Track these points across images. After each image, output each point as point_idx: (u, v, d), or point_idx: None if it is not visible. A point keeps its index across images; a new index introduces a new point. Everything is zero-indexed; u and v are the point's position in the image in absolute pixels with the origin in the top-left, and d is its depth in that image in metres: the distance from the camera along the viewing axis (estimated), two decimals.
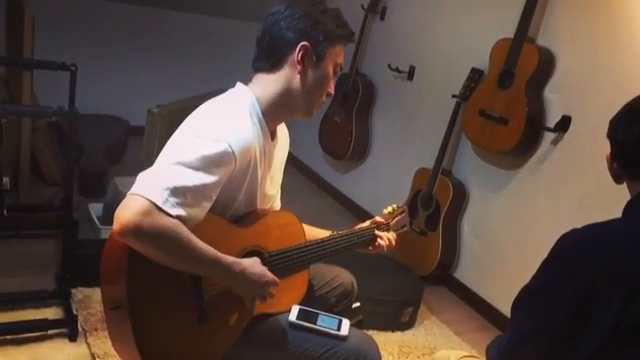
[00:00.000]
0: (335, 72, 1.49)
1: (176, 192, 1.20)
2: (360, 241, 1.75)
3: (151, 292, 1.29)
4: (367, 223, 1.84)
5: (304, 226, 1.69)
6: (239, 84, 1.49)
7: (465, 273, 3.24)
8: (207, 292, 1.36)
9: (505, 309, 2.94)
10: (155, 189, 1.19)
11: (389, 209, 1.92)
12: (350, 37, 1.49)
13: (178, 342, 1.33)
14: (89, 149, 3.69)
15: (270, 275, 1.39)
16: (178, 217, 1.20)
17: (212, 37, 4.65)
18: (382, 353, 1.65)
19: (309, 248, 1.59)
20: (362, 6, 3.84)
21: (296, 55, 1.41)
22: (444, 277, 3.31)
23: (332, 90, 1.51)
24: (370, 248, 1.80)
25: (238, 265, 1.34)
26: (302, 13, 1.41)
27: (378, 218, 1.85)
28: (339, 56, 1.48)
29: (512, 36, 2.78)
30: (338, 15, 1.47)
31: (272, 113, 1.46)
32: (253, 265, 1.37)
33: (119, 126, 4.21)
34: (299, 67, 1.42)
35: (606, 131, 1.33)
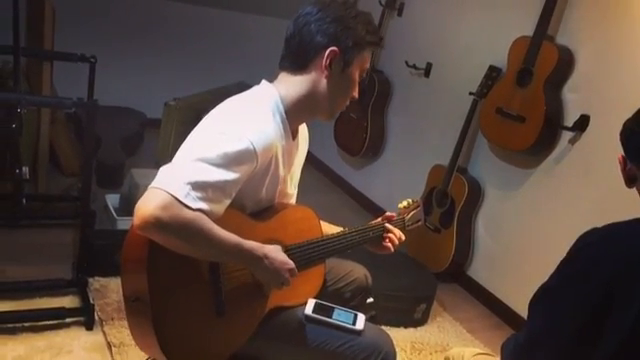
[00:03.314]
0: (361, 76, 1.49)
1: (197, 187, 1.21)
2: (375, 235, 1.76)
3: (171, 284, 1.30)
4: (379, 219, 1.83)
5: (320, 222, 1.70)
6: (264, 82, 1.49)
7: (479, 271, 3.23)
8: (225, 285, 1.37)
9: (519, 308, 2.93)
10: (177, 183, 1.20)
11: (404, 203, 1.91)
12: (379, 43, 1.49)
13: (197, 333, 1.34)
14: (106, 141, 3.72)
15: (291, 262, 1.41)
16: (199, 210, 1.21)
17: (230, 32, 4.67)
18: None
19: (325, 242, 1.60)
20: (380, 2, 3.83)
21: (324, 60, 1.41)
22: (458, 275, 3.31)
23: (357, 94, 1.51)
24: (380, 247, 1.78)
25: (261, 249, 1.35)
26: (334, 17, 1.40)
27: (389, 213, 1.85)
28: (366, 61, 1.48)
29: (531, 34, 2.76)
30: (370, 20, 1.46)
31: (295, 113, 1.47)
32: (276, 251, 1.39)
33: (136, 118, 4.25)
34: (326, 72, 1.42)
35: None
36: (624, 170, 1.33)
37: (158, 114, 3.83)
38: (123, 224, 2.82)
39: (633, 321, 1.17)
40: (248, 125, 1.33)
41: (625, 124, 1.32)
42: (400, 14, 3.85)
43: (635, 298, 1.17)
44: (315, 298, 1.59)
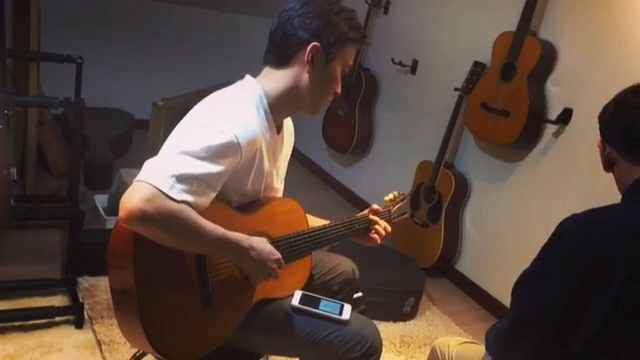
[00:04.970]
0: (344, 72, 1.51)
1: (182, 179, 1.22)
2: (361, 227, 1.78)
3: (157, 277, 1.31)
4: (366, 212, 1.86)
5: (307, 215, 1.71)
6: (248, 77, 1.50)
7: (467, 265, 3.26)
8: (212, 277, 1.39)
9: (507, 301, 2.92)
10: (161, 176, 1.21)
11: (390, 196, 1.94)
12: (362, 40, 1.50)
13: (184, 325, 1.35)
14: (94, 142, 3.72)
15: (278, 253, 1.42)
16: (184, 202, 1.23)
17: (217, 31, 4.68)
18: (384, 343, 1.67)
19: (312, 234, 1.61)
20: (366, 0, 3.85)
21: (306, 55, 1.42)
22: (446, 269, 3.33)
23: (339, 90, 1.52)
24: (366, 239, 1.80)
25: (247, 241, 1.36)
26: (317, 12, 1.41)
27: (375, 206, 1.87)
28: (349, 58, 1.49)
29: (514, 29, 2.80)
30: (353, 17, 1.47)
31: (279, 107, 1.48)
32: (262, 242, 1.40)
33: (124, 119, 4.25)
34: (308, 67, 1.43)
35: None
36: (603, 154, 1.36)
37: (146, 115, 3.81)
38: (112, 224, 2.78)
39: (612, 303, 1.20)
40: (232, 119, 1.34)
41: (606, 107, 1.35)
42: (386, 12, 3.88)
43: (614, 282, 1.20)
44: (302, 290, 1.61)
